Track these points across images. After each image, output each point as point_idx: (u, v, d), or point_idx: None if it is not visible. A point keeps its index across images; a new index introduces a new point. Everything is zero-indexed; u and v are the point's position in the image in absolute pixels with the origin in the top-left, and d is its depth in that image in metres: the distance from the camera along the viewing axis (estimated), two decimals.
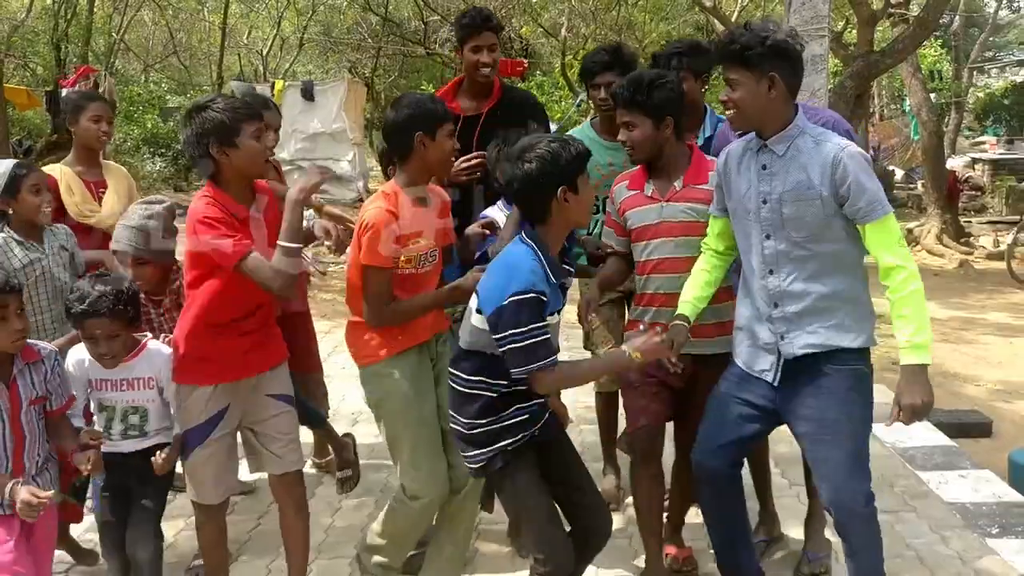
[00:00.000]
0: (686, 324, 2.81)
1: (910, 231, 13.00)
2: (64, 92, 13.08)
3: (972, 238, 12.91)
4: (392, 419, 2.93)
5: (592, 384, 3.94)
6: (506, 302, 2.40)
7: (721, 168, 2.80)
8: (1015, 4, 23.96)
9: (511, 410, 2.60)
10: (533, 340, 2.41)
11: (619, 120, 3.00)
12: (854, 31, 11.51)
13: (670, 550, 3.36)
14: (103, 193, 3.79)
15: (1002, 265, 10.53)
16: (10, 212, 3.18)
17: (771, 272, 2.66)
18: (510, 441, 2.60)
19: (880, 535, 2.69)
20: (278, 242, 2.62)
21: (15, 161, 3.28)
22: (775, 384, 2.71)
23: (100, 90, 11.97)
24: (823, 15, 4.74)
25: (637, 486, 3.18)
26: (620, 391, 3.76)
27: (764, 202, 2.64)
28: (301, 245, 2.68)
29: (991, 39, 22.61)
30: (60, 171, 3.72)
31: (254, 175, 2.79)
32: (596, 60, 3.66)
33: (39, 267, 3.22)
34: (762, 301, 2.71)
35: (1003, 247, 11.02)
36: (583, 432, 4.69)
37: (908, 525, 3.67)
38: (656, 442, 3.15)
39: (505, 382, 2.54)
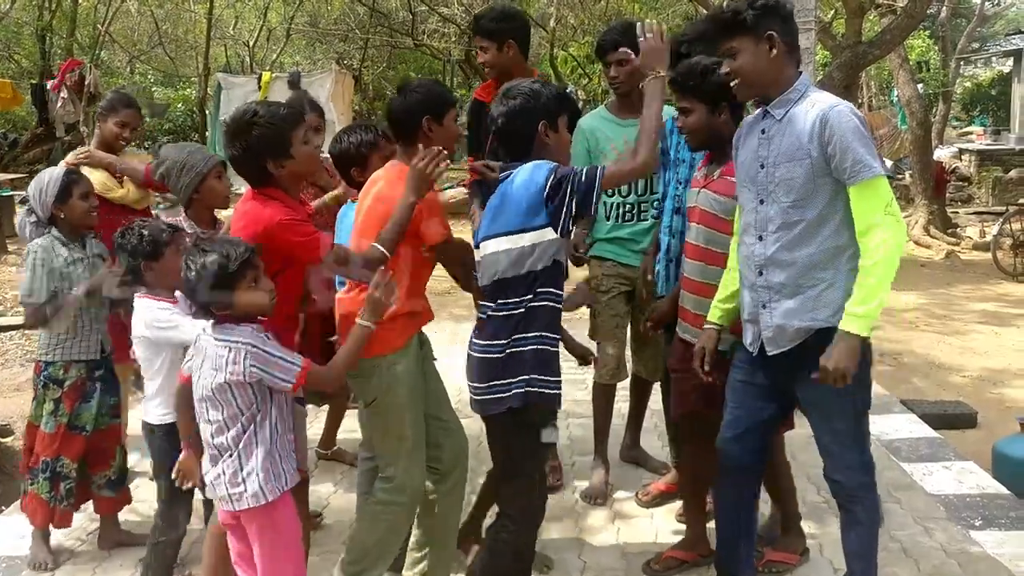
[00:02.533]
0: (716, 329, 2.88)
1: None
2: (48, 86, 13.06)
3: (959, 229, 12.96)
4: (397, 411, 2.87)
5: (588, 376, 3.94)
6: (553, 182, 2.50)
7: (734, 146, 2.83)
8: None
9: (558, 338, 2.64)
10: (576, 178, 2.50)
11: (677, 105, 3.08)
12: (843, 22, 11.53)
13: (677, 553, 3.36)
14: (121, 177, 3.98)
15: (988, 256, 10.59)
16: (62, 216, 3.32)
17: (760, 239, 2.66)
18: (553, 378, 2.61)
19: (878, 510, 2.75)
20: (375, 242, 2.66)
21: (66, 168, 3.45)
22: (754, 355, 2.73)
23: (85, 82, 11.89)
24: (809, 8, 4.76)
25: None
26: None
27: (761, 167, 2.65)
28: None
29: (978, 30, 22.62)
30: (79, 156, 3.93)
31: (310, 177, 2.81)
32: (608, 38, 3.70)
33: (80, 267, 3.33)
34: (748, 268, 2.72)
35: (989, 238, 11.07)
36: (571, 426, 4.71)
37: (892, 517, 3.69)
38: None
39: (561, 291, 2.63)
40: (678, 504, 3.75)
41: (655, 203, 3.69)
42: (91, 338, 3.37)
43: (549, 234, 2.55)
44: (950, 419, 5.28)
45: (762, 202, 2.65)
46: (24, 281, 3.28)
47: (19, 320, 7.08)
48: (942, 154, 16.82)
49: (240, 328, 2.45)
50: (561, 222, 2.53)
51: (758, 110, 2.74)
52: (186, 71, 22.88)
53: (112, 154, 4.01)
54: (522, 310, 2.58)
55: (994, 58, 25.14)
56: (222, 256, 2.42)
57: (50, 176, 3.36)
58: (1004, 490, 3.98)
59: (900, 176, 15.91)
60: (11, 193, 10.69)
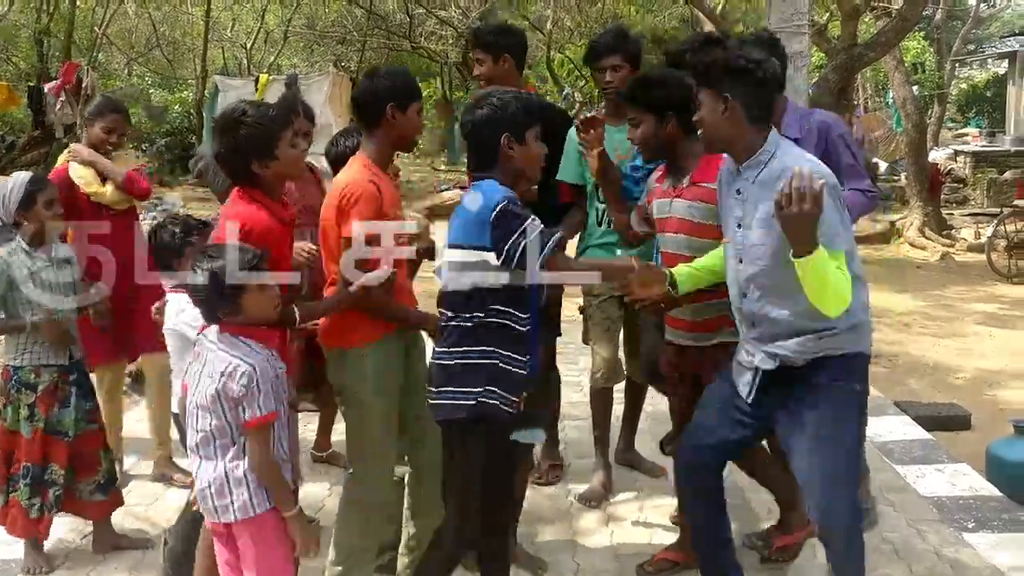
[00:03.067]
0: (665, 274, 2.85)
1: (893, 223, 13.09)
2: (46, 88, 13.06)
3: (954, 230, 13.00)
4: (362, 406, 2.85)
5: (583, 378, 3.95)
6: (498, 211, 2.51)
7: (720, 181, 2.80)
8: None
9: (517, 356, 2.62)
10: (536, 231, 2.52)
11: (628, 117, 3.14)
12: (838, 24, 11.56)
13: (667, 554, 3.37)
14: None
15: (983, 257, 10.63)
16: (25, 223, 3.31)
17: (744, 295, 2.67)
18: (506, 394, 2.60)
19: (862, 550, 2.69)
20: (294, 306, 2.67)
21: (30, 176, 3.44)
22: (749, 402, 2.70)
23: (83, 85, 11.91)
24: (803, 11, 4.77)
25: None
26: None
27: (739, 226, 2.65)
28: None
29: (973, 32, 22.71)
30: (71, 153, 4.04)
31: (293, 179, 2.82)
32: (601, 42, 3.73)
33: (45, 274, 3.33)
34: (740, 323, 2.74)
35: (984, 239, 11.12)
36: (566, 429, 4.72)
37: (885, 519, 3.72)
38: None
39: (522, 314, 2.61)
40: (672, 506, 3.77)
41: None
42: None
43: (493, 259, 2.55)
44: (944, 421, 5.30)
45: (740, 261, 2.66)
46: None
47: None
48: (937, 156, 16.87)
49: (244, 343, 2.43)
50: (503, 255, 2.53)
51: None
52: (184, 73, 22.86)
53: (104, 153, 4.04)
54: (471, 325, 2.60)
55: (989, 60, 25.20)
56: (221, 258, 2.41)
57: (14, 182, 3.34)
58: (997, 492, 4.00)
59: (896, 178, 15.96)
60: None
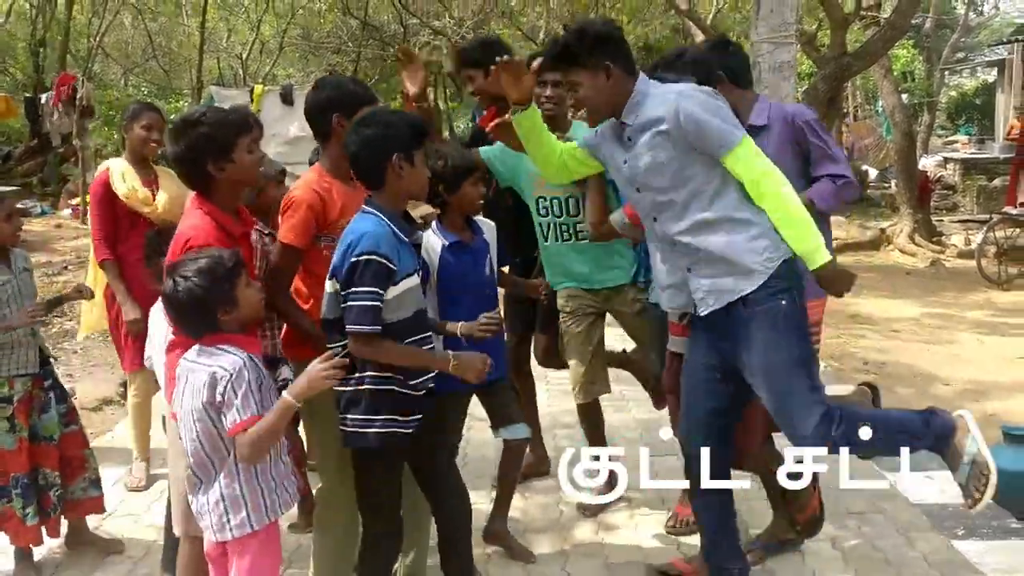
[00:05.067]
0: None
1: (883, 230, 13.16)
2: (43, 98, 13.05)
3: (944, 237, 13.07)
4: (322, 418, 2.85)
5: (570, 389, 3.98)
6: (350, 262, 2.55)
7: (600, 145, 2.92)
8: (979, 8, 24.30)
9: (413, 379, 2.69)
10: (364, 303, 2.54)
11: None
12: (828, 33, 11.63)
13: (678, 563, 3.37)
14: (155, 190, 4.08)
15: (973, 264, 10.68)
16: None
17: (655, 220, 2.82)
18: (396, 415, 2.67)
19: (868, 414, 2.78)
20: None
21: None
22: (700, 315, 2.81)
23: (78, 96, 11.92)
24: (790, 22, 4.84)
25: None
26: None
27: (624, 162, 2.80)
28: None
29: (963, 40, 22.84)
30: (112, 164, 4.09)
31: (248, 186, 2.84)
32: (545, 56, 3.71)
33: (10, 288, 3.35)
34: (661, 244, 2.85)
35: (974, 246, 11.18)
36: (557, 437, 4.74)
37: (875, 527, 3.75)
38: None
39: (407, 338, 2.68)
40: (665, 516, 3.79)
41: None
42: (28, 352, 3.38)
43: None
44: None
45: (638, 190, 2.81)
46: None
47: None
48: (927, 163, 16.96)
49: (222, 350, 2.41)
50: (347, 299, 2.58)
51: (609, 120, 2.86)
52: (180, 84, 22.87)
53: (142, 160, 4.11)
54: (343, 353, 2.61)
55: (979, 68, 25.37)
56: (214, 256, 2.42)
57: None
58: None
59: (886, 185, 16.04)
60: None
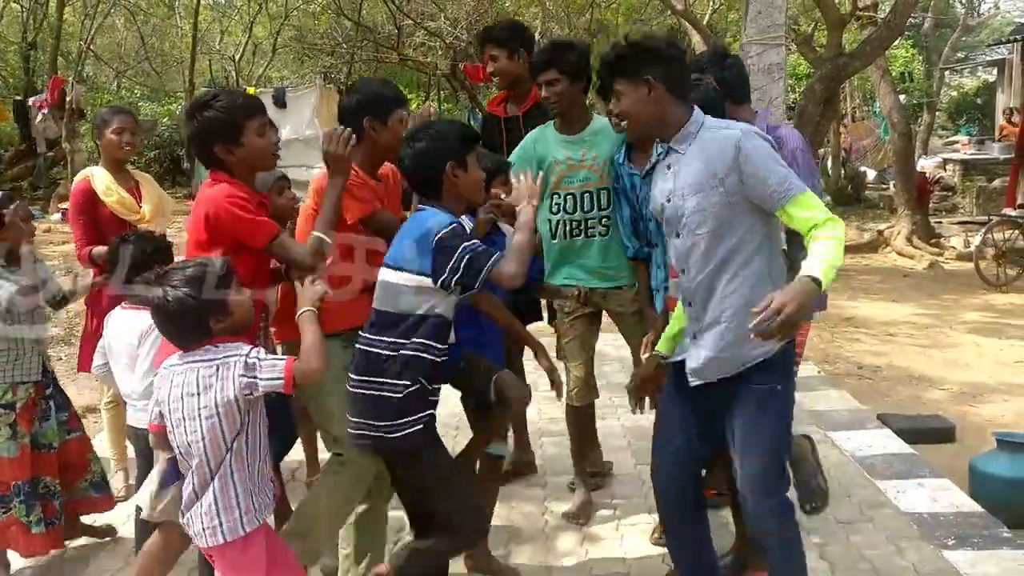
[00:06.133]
0: (659, 357, 2.90)
1: (880, 232, 13.09)
2: (31, 102, 13.01)
3: (943, 239, 12.99)
4: (332, 389, 2.85)
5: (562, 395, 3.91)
6: (435, 240, 2.55)
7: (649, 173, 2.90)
8: (977, 8, 24.24)
9: (437, 383, 2.71)
10: (476, 250, 2.56)
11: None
12: (824, 34, 11.57)
13: None
14: (138, 197, 4.04)
15: (972, 266, 10.60)
16: None
17: (683, 271, 2.68)
18: (431, 412, 2.69)
19: (799, 550, 2.69)
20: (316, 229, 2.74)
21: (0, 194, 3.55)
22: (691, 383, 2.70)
23: (68, 99, 11.86)
24: (779, 24, 4.78)
25: None
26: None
27: (668, 200, 2.66)
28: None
29: (962, 39, 22.77)
30: (94, 174, 3.97)
31: (262, 170, 2.86)
32: (537, 59, 3.69)
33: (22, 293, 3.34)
34: (682, 300, 2.76)
35: (972, 248, 11.10)
36: (544, 445, 4.68)
37: (864, 536, 3.67)
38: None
39: (442, 346, 2.65)
40: (650, 525, 3.72)
41: (603, 220, 3.67)
42: (32, 359, 3.38)
43: (427, 282, 2.59)
44: (927, 433, 5.24)
45: (677, 235, 2.67)
46: None
47: None
48: (926, 164, 16.90)
49: (221, 345, 2.39)
50: (444, 277, 2.57)
51: (660, 149, 2.78)
52: (173, 86, 22.85)
53: (118, 165, 4.03)
54: (393, 354, 2.62)
55: (979, 67, 25.31)
56: (203, 264, 2.40)
57: None
58: (979, 508, 3.95)
59: (884, 187, 15.97)
60: None
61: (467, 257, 2.55)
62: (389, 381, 2.61)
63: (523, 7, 19.01)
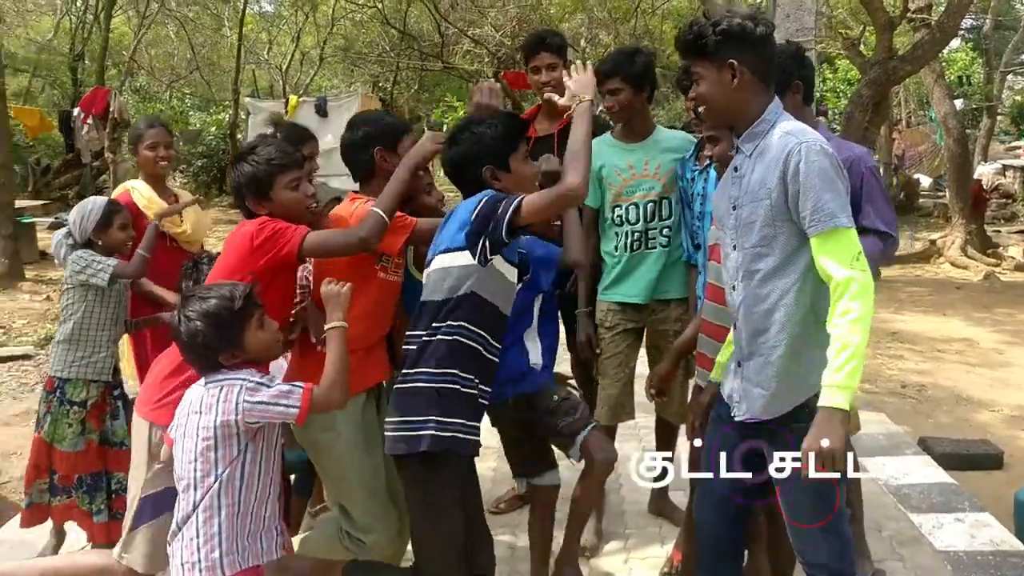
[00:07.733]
0: (716, 385, 2.66)
1: (933, 242, 12.60)
2: (75, 112, 13.26)
3: (1000, 248, 12.47)
4: (346, 455, 2.73)
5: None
6: (480, 211, 2.39)
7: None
8: None
9: (479, 383, 2.48)
10: (496, 198, 2.41)
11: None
12: (872, 37, 11.21)
13: None
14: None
15: None
16: (99, 243, 3.45)
17: (733, 288, 2.43)
18: (472, 425, 2.46)
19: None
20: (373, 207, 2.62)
21: (107, 199, 3.58)
22: (735, 416, 2.45)
23: (111, 109, 12.05)
24: (809, 27, 4.55)
25: None
26: None
27: (734, 208, 2.40)
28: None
29: None
30: (136, 187, 3.94)
31: (297, 222, 2.69)
32: (602, 68, 3.48)
33: (115, 289, 3.50)
34: (732, 318, 2.50)
35: None
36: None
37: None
38: None
39: (481, 331, 2.45)
40: (661, 558, 3.52)
41: (663, 231, 3.52)
42: (107, 360, 3.49)
43: (465, 258, 2.42)
44: (973, 459, 4.94)
45: (734, 248, 2.40)
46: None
47: (20, 351, 7.10)
48: (985, 170, 16.30)
49: (236, 371, 2.31)
50: (479, 245, 2.40)
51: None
52: (223, 95, 23.23)
53: (157, 180, 3.99)
54: (430, 339, 2.44)
55: None
56: (224, 297, 2.31)
57: (93, 204, 3.50)
58: (1020, 546, 3.66)
59: (940, 194, 15.43)
60: (32, 220, 10.83)
61: (493, 219, 2.37)
62: (424, 370, 2.43)
63: (568, 14, 18.91)
